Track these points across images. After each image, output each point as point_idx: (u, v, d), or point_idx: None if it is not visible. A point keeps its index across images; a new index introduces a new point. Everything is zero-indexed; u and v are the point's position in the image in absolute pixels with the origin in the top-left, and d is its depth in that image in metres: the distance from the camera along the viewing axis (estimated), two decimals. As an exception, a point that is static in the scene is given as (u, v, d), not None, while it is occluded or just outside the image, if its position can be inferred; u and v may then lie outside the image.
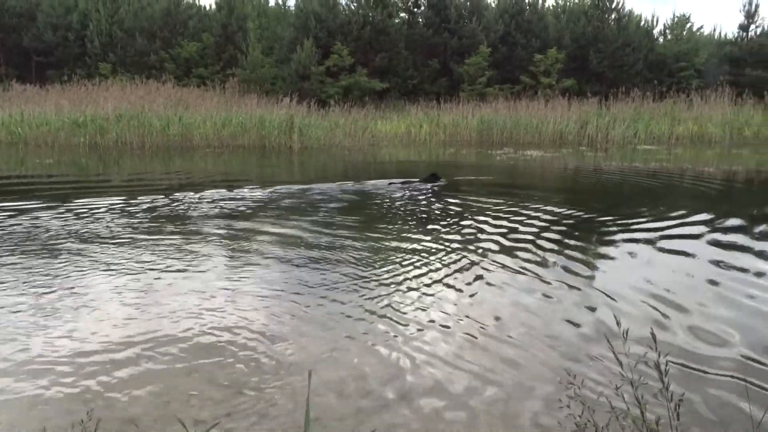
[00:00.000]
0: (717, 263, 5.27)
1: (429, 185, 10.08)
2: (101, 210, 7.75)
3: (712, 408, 2.83)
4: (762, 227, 6.99)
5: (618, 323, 1.31)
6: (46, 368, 3.25)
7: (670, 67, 30.32)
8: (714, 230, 6.64)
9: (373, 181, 10.75)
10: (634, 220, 7.19)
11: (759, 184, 11.73)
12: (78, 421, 1.94)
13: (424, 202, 8.60)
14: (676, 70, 30.11)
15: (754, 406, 2.72)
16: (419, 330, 3.80)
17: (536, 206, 8.14)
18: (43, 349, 3.50)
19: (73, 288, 4.57)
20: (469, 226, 6.86)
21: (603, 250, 5.93)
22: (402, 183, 10.24)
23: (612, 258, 5.62)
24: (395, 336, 3.71)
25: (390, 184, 10.24)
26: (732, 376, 3.12)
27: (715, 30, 45.65)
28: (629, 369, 1.25)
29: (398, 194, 9.32)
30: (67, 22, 31.54)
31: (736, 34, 32.98)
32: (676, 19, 34.70)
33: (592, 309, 4.15)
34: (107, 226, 6.79)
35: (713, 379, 3.11)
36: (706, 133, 21.29)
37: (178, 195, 9.07)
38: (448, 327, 3.85)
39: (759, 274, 4.93)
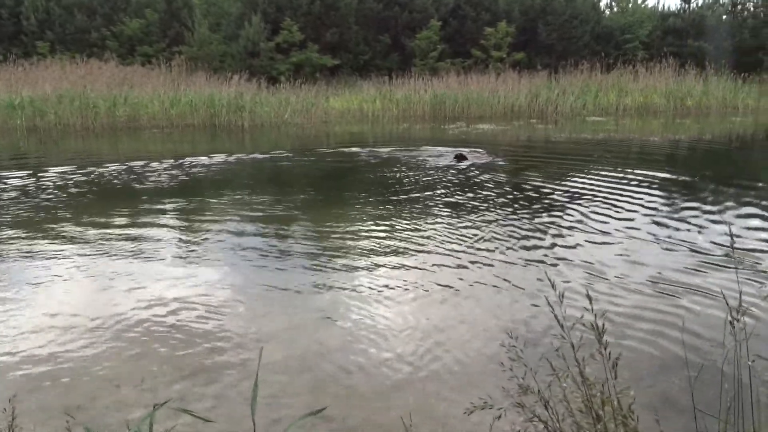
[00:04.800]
0: (662, 224, 5.47)
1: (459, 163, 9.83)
2: (46, 188, 7.46)
3: (650, 364, 2.95)
4: (710, 187, 7.28)
5: (553, 286, 1.33)
6: (-10, 359, 3.14)
7: (617, 39, 30.87)
8: (660, 193, 6.87)
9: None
10: (582, 185, 7.36)
11: (700, 151, 12.17)
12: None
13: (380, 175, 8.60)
14: (622, 42, 30.68)
15: (691, 367, 2.84)
16: (369, 303, 3.82)
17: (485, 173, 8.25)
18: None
19: (18, 271, 4.41)
20: (423, 198, 6.91)
21: (552, 213, 6.05)
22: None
23: (560, 221, 5.74)
24: (348, 311, 3.72)
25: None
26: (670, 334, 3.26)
27: (658, 2, 46.73)
28: (568, 330, 1.29)
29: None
30: (-2, -2, 29.91)
31: (678, 6, 33.84)
32: (621, -9, 35.28)
33: (534, 273, 4.24)
34: (55, 206, 6.56)
35: (651, 338, 3.23)
36: (652, 104, 21.87)
37: (128, 172, 8.80)
38: (397, 299, 3.88)
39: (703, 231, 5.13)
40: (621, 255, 4.70)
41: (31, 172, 9.28)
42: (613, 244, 5.02)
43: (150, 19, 29.27)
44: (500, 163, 9.83)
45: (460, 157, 10.03)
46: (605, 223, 5.74)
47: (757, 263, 4.40)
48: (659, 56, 25.11)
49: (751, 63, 26.69)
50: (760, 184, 8.09)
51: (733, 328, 1.66)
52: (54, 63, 23.32)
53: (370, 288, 4.10)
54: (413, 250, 4.94)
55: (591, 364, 1.29)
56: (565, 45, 30.10)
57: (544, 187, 7.61)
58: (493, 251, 4.86)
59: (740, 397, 1.75)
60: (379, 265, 4.56)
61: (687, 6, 32.66)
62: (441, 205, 6.62)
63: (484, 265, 4.54)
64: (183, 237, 5.46)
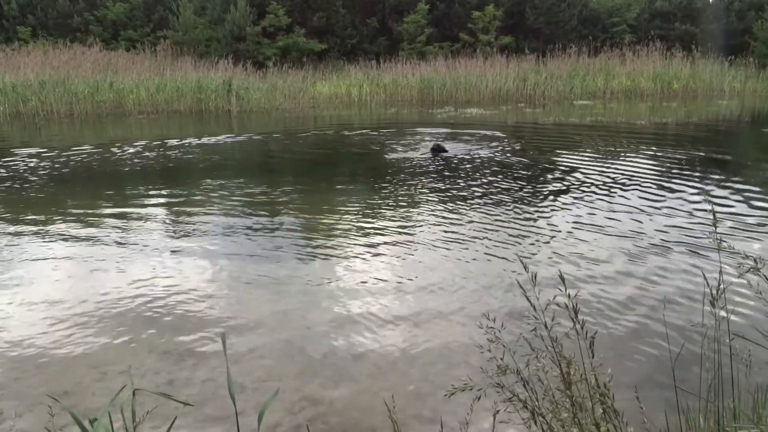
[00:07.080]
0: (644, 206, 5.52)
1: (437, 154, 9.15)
2: (29, 174, 7.38)
3: (631, 343, 2.99)
4: (695, 172, 7.33)
5: (525, 267, 1.34)
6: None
7: (604, 22, 30.84)
8: (643, 173, 6.91)
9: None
10: (569, 168, 7.40)
11: (687, 133, 12.23)
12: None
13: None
14: (609, 26, 30.67)
15: (672, 344, 2.88)
16: (353, 289, 3.84)
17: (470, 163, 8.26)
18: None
19: (2, 257, 4.37)
20: (407, 185, 6.92)
21: (533, 197, 6.08)
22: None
23: (541, 205, 5.77)
24: (333, 297, 3.74)
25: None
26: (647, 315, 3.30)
27: (646, -15, 46.64)
28: (542, 311, 1.30)
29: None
30: (-22, -18, 29.32)
31: (666, -11, 33.76)
32: (608, -26, 35.19)
33: (516, 256, 4.27)
34: (39, 192, 6.49)
35: (632, 317, 3.27)
36: (639, 88, 21.96)
37: (113, 157, 8.72)
38: (380, 285, 3.90)
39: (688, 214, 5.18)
40: (602, 235, 4.73)
41: (14, 157, 9.16)
42: (594, 224, 5.05)
43: (134, 3, 28.85)
44: (483, 151, 9.68)
45: (437, 149, 9.18)
46: (587, 203, 5.77)
47: (738, 242, 4.45)
48: (646, 40, 25.17)
49: (738, 46, 26.76)
50: (750, 163, 8.17)
51: (713, 307, 1.68)
52: (36, 48, 22.96)
53: (353, 274, 4.11)
54: (396, 237, 4.95)
55: (571, 343, 1.31)
56: (553, 29, 30.05)
57: (528, 172, 7.63)
58: (474, 237, 4.88)
59: (720, 376, 1.77)
60: (362, 252, 4.57)
61: (674, -11, 32.63)
62: (424, 192, 6.63)
63: (465, 250, 4.56)
64: (169, 223, 5.43)
